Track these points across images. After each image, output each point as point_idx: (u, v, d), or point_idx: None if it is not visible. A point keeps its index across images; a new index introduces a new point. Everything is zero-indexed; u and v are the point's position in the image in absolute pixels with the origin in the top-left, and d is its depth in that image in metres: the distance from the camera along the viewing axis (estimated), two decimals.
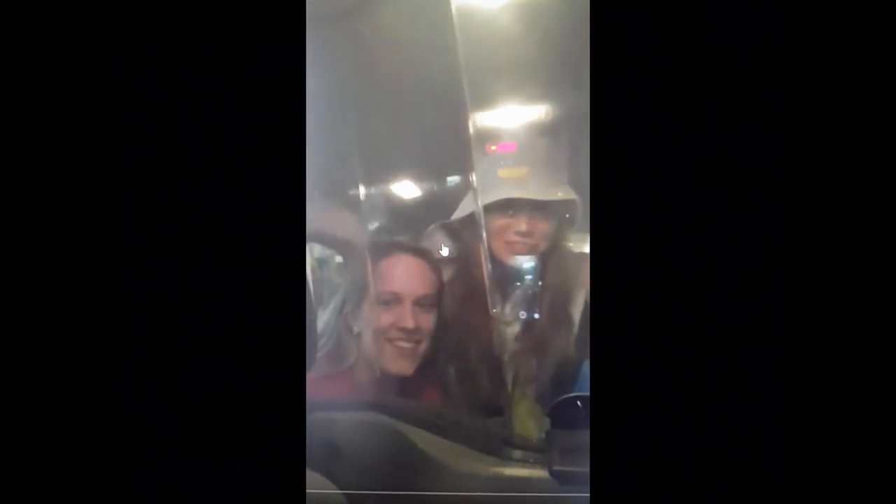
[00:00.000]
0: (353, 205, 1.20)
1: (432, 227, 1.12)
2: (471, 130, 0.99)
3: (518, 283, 1.06)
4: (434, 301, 1.05)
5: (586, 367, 1.00)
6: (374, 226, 1.20)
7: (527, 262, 1.06)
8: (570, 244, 1.10)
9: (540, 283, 1.06)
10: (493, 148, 1.09)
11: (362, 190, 1.18)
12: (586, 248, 1.09)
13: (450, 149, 1.09)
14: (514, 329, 1.06)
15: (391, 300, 1.03)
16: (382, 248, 1.09)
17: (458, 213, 1.10)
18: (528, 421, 0.98)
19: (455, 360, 1.05)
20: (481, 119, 1.04)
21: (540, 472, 0.73)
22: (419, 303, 1.03)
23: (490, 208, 1.04)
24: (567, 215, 1.09)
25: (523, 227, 1.04)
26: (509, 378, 1.01)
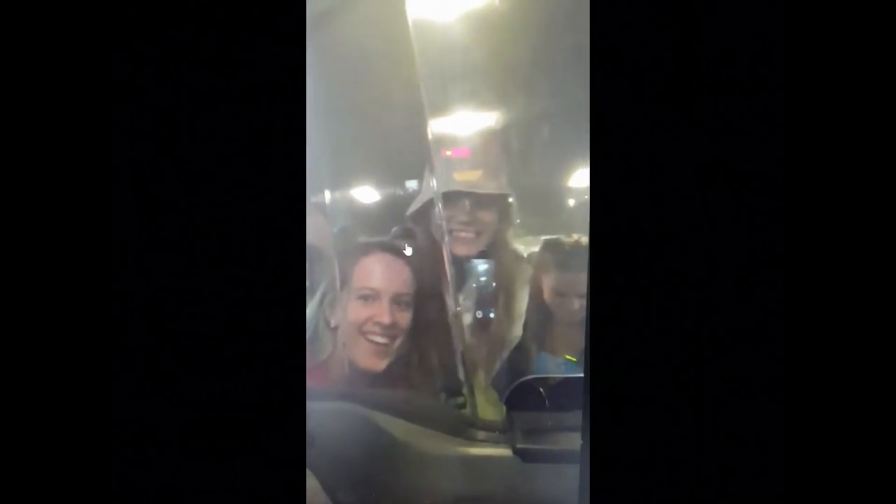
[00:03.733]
0: (320, 208, 1.23)
1: (395, 228, 1.17)
2: (429, 136, 1.04)
3: (471, 280, 1.12)
4: (410, 300, 1.08)
5: (540, 356, 1.07)
6: (339, 227, 1.24)
7: (477, 260, 1.12)
8: (511, 242, 1.16)
9: (484, 279, 1.12)
10: (448, 153, 1.14)
11: (328, 194, 1.22)
12: (525, 247, 1.16)
13: (409, 153, 1.14)
14: (469, 322, 1.11)
15: (369, 295, 1.07)
16: (364, 247, 1.13)
17: (413, 209, 1.14)
18: (488, 407, 1.02)
19: (418, 351, 1.09)
20: (438, 125, 1.09)
21: (504, 451, 0.75)
22: (396, 300, 1.07)
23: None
24: (505, 211, 1.14)
25: (464, 216, 1.09)
26: (468, 367, 1.05)
